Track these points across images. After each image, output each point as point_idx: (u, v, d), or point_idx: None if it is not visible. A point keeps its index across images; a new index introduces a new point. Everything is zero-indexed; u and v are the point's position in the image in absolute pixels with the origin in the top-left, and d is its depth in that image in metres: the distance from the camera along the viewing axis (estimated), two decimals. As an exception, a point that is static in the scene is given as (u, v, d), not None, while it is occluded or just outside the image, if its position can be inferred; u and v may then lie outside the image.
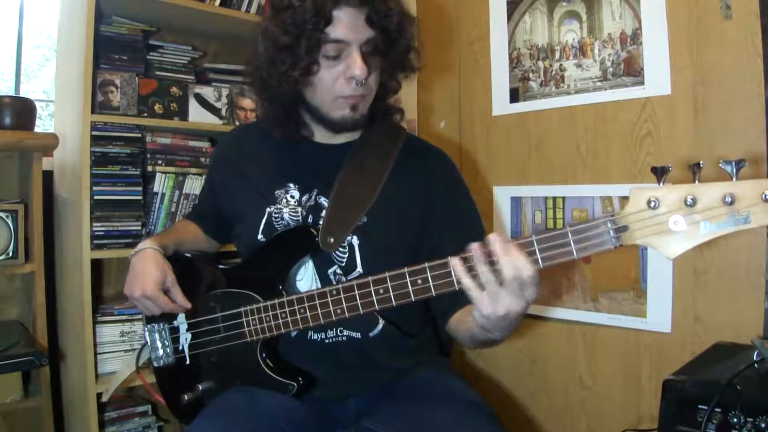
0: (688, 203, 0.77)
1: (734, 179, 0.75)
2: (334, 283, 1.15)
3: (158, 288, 1.22)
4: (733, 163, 0.75)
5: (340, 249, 1.19)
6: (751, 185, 0.74)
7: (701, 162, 0.78)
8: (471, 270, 0.90)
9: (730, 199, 0.75)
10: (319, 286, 1.19)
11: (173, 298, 1.25)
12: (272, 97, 1.23)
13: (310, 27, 1.08)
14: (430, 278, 0.97)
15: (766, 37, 1.55)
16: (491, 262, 0.88)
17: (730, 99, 1.62)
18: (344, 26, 1.10)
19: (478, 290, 0.90)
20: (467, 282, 0.90)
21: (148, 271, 1.23)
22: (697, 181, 0.78)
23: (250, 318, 1.18)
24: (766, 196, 0.73)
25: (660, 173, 0.80)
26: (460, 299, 1.01)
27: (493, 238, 0.88)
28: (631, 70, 1.80)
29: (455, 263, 0.92)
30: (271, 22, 1.14)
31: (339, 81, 1.14)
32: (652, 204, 0.80)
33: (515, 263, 0.86)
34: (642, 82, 1.78)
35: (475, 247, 0.89)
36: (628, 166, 1.81)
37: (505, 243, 0.87)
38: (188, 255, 1.37)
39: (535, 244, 0.88)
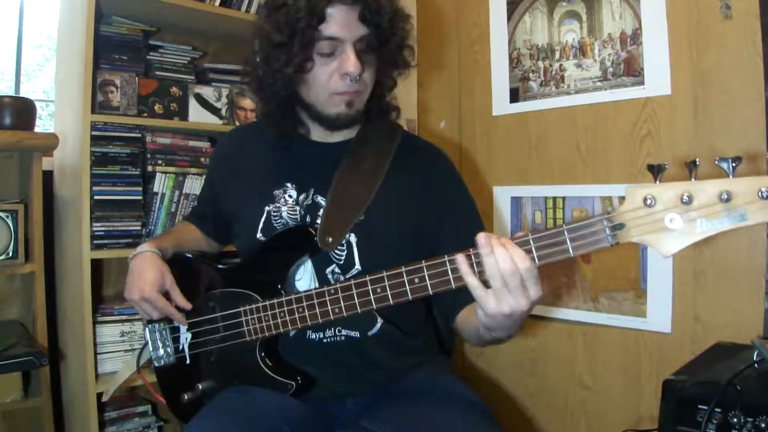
0: (684, 201, 0.77)
1: (731, 176, 0.75)
2: (333, 282, 1.15)
3: (156, 290, 1.23)
4: (730, 160, 0.75)
5: (339, 247, 1.19)
6: (748, 182, 0.74)
7: (697, 159, 0.78)
8: (475, 266, 0.91)
9: (726, 196, 0.74)
10: (318, 285, 1.19)
11: (173, 300, 1.25)
12: (268, 95, 1.23)
13: (304, 25, 1.09)
14: (427, 277, 0.97)
15: (766, 37, 1.54)
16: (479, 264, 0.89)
17: (730, 99, 1.62)
18: (337, 23, 1.10)
19: (483, 289, 0.90)
20: (472, 281, 0.90)
21: (146, 273, 1.24)
22: (693, 179, 0.77)
23: (249, 317, 1.18)
24: (762, 192, 0.72)
25: (656, 171, 0.80)
26: (464, 297, 1.01)
27: (485, 235, 0.88)
28: (631, 70, 1.80)
29: (461, 260, 0.91)
30: (266, 20, 1.15)
31: (333, 78, 1.14)
32: (648, 202, 0.80)
33: (512, 256, 0.86)
34: (642, 82, 1.78)
35: (481, 238, 0.89)
36: (628, 166, 1.81)
37: (498, 238, 0.88)
38: (188, 255, 1.37)
39: (532, 243, 0.88)
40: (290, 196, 1.24)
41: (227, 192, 1.36)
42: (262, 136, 1.32)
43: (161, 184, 1.91)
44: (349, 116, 1.20)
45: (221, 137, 1.52)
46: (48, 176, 2.00)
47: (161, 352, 1.32)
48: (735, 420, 1.12)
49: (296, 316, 1.12)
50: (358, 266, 1.19)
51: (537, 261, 0.88)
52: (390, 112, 1.32)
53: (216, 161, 1.46)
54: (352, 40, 1.12)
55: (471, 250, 0.91)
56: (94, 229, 1.76)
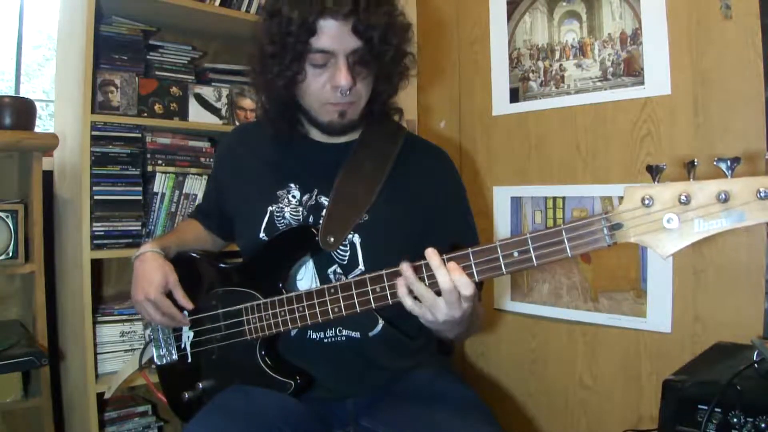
0: (682, 201, 0.77)
1: (729, 177, 0.75)
2: (334, 282, 1.15)
3: (160, 291, 1.23)
4: (728, 160, 0.75)
5: (342, 247, 1.19)
6: (746, 182, 0.74)
7: (696, 160, 0.78)
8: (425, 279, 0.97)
9: (724, 197, 0.75)
10: (319, 285, 1.19)
11: (176, 299, 1.26)
12: (269, 96, 1.23)
13: (294, 38, 1.08)
14: (426, 278, 0.97)
15: (766, 37, 1.54)
16: (430, 276, 0.95)
17: (730, 99, 1.62)
18: (329, 36, 1.08)
19: (417, 308, 0.98)
20: (408, 303, 0.97)
21: (149, 274, 1.24)
22: (691, 179, 0.78)
23: (250, 316, 1.19)
24: (760, 193, 0.72)
25: (655, 171, 0.80)
26: None
27: (430, 252, 0.95)
28: (631, 70, 1.80)
29: (401, 285, 0.98)
30: (261, 28, 1.15)
31: (325, 89, 1.14)
32: (647, 202, 0.80)
33: (456, 281, 0.93)
34: (642, 82, 1.78)
35: (405, 268, 0.96)
36: (628, 166, 1.81)
37: (441, 258, 0.94)
38: (191, 254, 1.37)
39: (530, 243, 0.88)
40: (294, 197, 1.24)
41: (230, 190, 1.36)
42: (264, 134, 1.31)
43: (161, 184, 1.91)
44: (342, 125, 1.20)
45: (224, 135, 1.52)
46: (48, 176, 2.00)
47: (164, 350, 1.32)
48: (735, 420, 1.12)
49: (296, 315, 1.12)
50: (361, 266, 1.19)
51: (535, 261, 0.89)
52: (393, 114, 1.32)
53: (219, 159, 1.46)
54: (344, 53, 1.11)
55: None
56: (94, 229, 1.76)
